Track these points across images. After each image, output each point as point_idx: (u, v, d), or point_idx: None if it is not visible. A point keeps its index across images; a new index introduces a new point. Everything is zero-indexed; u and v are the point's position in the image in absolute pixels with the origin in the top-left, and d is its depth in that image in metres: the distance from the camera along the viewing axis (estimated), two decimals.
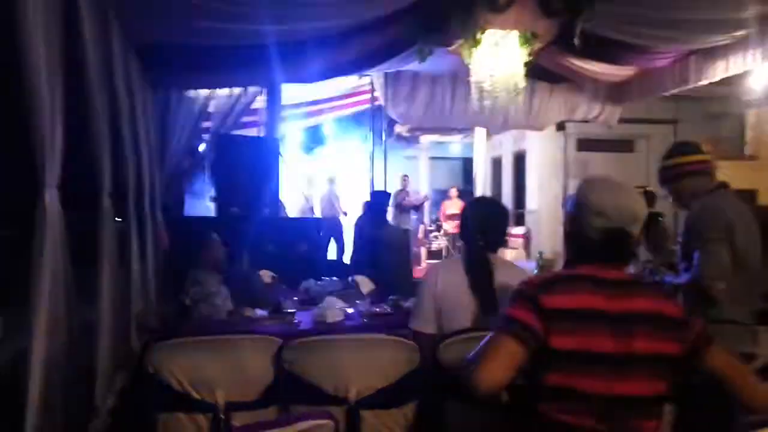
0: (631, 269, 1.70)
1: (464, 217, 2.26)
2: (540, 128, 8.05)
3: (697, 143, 2.48)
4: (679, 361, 1.38)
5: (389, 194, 4.69)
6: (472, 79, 4.42)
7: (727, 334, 2.09)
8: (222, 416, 1.87)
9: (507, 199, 11.47)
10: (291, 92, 7.54)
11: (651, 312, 1.38)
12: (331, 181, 9.60)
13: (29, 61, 1.87)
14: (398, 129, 10.42)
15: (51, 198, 1.88)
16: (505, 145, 11.28)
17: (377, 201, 4.30)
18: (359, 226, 4.52)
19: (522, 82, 4.35)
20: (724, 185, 2.32)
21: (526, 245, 9.88)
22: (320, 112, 9.05)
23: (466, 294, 2.10)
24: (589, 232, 1.44)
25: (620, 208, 1.41)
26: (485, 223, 2.21)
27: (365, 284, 3.42)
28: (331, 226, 8.97)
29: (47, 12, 1.96)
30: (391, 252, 3.86)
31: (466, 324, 2.05)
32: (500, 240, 2.22)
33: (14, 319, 2.41)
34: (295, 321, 2.97)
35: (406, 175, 10.03)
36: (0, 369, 2.27)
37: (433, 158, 12.78)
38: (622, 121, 8.01)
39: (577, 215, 1.47)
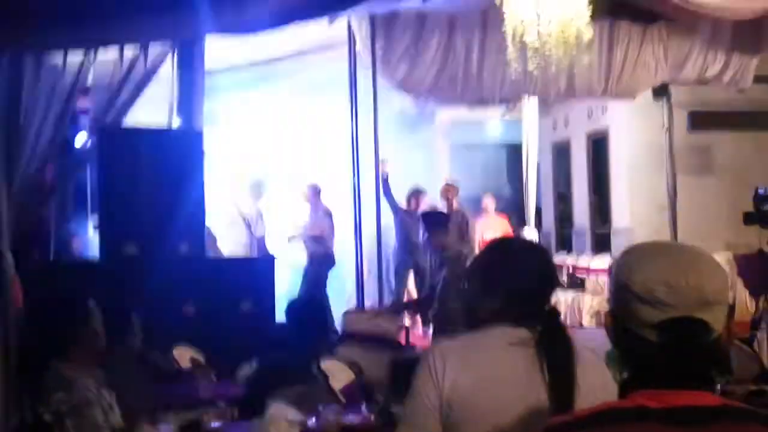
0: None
1: (497, 267, 2.30)
2: (628, 96, 8.10)
3: None
4: None
5: None
6: (507, 26, 4.46)
7: None
8: None
9: (580, 210, 11.47)
10: (221, 50, 7.59)
11: None
12: (316, 191, 9.72)
13: None
14: (400, 102, 10.48)
15: None
16: (575, 122, 11.32)
17: None
18: None
19: (588, 30, 4.39)
20: None
21: None
22: (269, 79, 9.12)
23: (501, 395, 2.10)
24: (639, 330, 1.45)
25: (676, 286, 1.42)
26: (535, 274, 2.25)
27: (338, 374, 3.44)
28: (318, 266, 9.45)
29: None
30: None
31: None
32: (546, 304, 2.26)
33: None
34: None
35: (449, 184, 10.15)
36: None
37: (457, 146, 12.84)
38: (760, 80, 8.06)
39: (619, 306, 1.49)
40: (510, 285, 2.27)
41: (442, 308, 5.60)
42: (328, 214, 9.75)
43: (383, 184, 9.43)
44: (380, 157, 8.35)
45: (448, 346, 2.24)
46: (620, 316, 1.49)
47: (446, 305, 5.53)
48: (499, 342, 2.18)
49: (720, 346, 1.45)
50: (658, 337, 1.43)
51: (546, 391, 2.09)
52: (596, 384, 2.04)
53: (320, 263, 9.62)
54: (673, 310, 1.42)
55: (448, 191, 9.96)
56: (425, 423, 2.13)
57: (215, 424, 3.27)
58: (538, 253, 2.39)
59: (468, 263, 6.11)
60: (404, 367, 5.18)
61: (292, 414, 3.07)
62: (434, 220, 7.04)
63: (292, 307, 4.24)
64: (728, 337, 1.47)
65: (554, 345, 2.15)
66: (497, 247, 2.48)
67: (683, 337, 1.42)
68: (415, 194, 10.15)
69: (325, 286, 9.60)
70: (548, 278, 2.34)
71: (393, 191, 9.65)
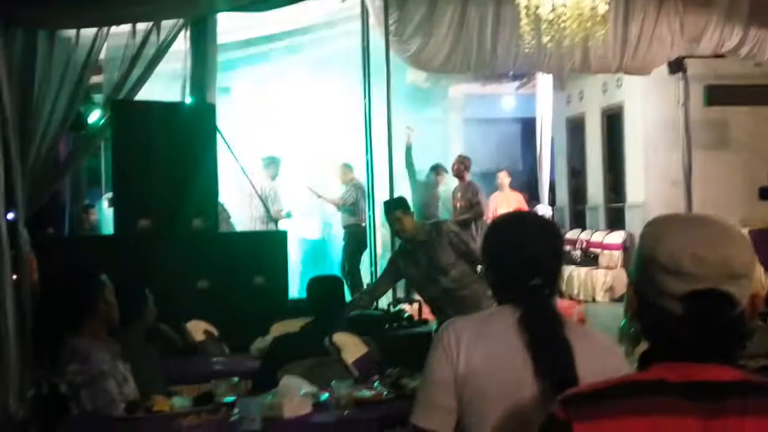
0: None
1: (498, 247, 2.27)
2: (643, 70, 8.01)
3: None
4: None
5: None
6: None
7: None
8: None
9: (594, 185, 11.44)
10: (233, 24, 7.57)
11: None
12: (349, 168, 9.86)
13: None
14: (412, 76, 10.47)
15: None
16: (590, 98, 11.27)
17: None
18: None
19: (603, 4, 4.35)
20: None
21: (627, 260, 9.88)
22: (282, 52, 9.09)
23: (515, 371, 2.10)
24: (663, 302, 1.43)
25: (703, 258, 1.40)
26: (536, 252, 2.22)
27: (350, 347, 3.44)
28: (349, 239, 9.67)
29: None
30: None
31: (515, 424, 2.06)
32: (557, 281, 2.24)
33: None
34: (234, 417, 2.97)
35: (461, 156, 10.13)
36: None
37: (470, 120, 12.80)
38: None
39: (643, 277, 1.47)
40: (513, 259, 2.26)
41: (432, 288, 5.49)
42: (360, 188, 9.77)
43: (406, 154, 9.43)
44: (405, 126, 8.29)
45: (462, 325, 2.24)
46: (643, 288, 1.48)
47: (428, 289, 5.44)
48: (507, 320, 2.18)
49: (744, 320, 1.43)
50: (683, 309, 1.41)
51: (527, 366, 2.08)
52: (596, 364, 2.03)
53: (353, 238, 9.72)
54: (699, 282, 1.39)
55: (461, 164, 9.94)
56: (441, 400, 2.13)
57: (228, 397, 3.27)
58: (544, 228, 2.36)
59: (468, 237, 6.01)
60: (417, 342, 5.22)
61: (305, 387, 3.08)
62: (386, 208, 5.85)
63: (312, 282, 4.24)
64: (752, 311, 1.45)
65: (534, 322, 2.14)
66: (501, 221, 2.45)
67: (709, 310, 1.39)
68: (436, 170, 10.14)
69: (358, 262, 9.71)
70: (553, 253, 2.32)
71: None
